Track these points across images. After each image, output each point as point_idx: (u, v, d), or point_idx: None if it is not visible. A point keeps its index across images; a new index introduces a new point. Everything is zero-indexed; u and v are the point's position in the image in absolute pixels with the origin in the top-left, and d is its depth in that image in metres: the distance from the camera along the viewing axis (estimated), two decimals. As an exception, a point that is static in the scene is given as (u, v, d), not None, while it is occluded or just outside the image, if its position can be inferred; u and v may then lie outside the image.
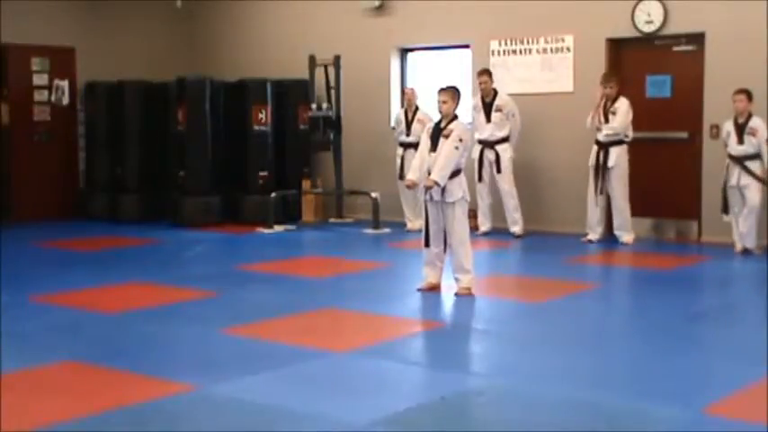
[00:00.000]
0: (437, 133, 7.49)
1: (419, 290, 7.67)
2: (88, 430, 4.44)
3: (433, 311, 7.22)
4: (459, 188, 7.43)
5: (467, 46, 12.04)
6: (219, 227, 12.04)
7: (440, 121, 7.58)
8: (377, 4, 12.47)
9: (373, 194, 11.74)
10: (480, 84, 10.99)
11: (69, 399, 4.93)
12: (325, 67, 12.31)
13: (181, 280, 8.23)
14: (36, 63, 13.14)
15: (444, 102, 7.54)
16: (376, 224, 11.62)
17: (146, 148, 12.93)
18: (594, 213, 10.42)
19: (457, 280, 7.56)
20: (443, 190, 7.36)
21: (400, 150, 11.72)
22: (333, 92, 12.32)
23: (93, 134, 13.30)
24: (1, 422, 4.49)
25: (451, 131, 7.42)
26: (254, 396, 4.96)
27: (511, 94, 11.06)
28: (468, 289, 7.52)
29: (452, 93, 7.59)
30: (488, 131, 10.95)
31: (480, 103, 11.03)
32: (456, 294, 7.48)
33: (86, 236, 11.54)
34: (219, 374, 5.39)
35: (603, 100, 10.24)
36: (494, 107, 10.93)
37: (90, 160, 13.39)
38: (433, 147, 7.44)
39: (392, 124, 12.22)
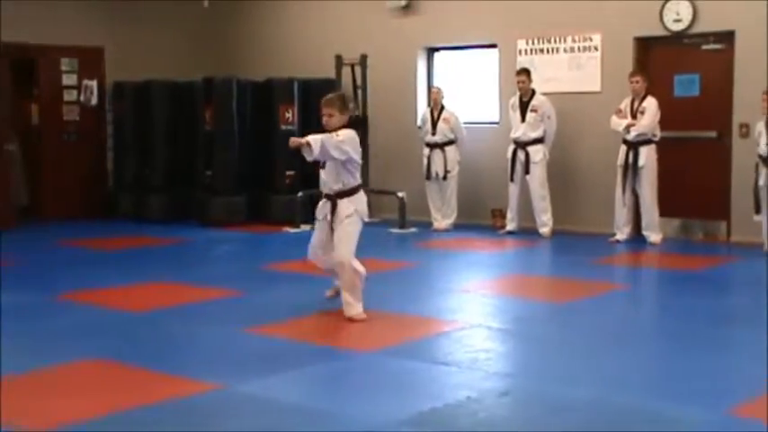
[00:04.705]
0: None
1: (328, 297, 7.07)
2: (114, 428, 4.45)
3: (459, 311, 7.19)
4: (350, 204, 6.71)
5: (494, 45, 12.00)
6: (246, 226, 12.06)
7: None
8: (403, 3, 12.45)
9: (400, 194, 11.73)
10: (518, 83, 10.96)
11: (95, 397, 4.95)
12: (352, 66, 12.31)
13: (207, 279, 8.26)
14: (65, 63, 13.24)
15: (330, 115, 6.62)
16: (402, 223, 11.61)
17: (173, 147, 12.98)
18: (622, 213, 10.36)
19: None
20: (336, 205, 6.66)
21: (426, 150, 11.71)
22: (359, 91, 12.32)
23: (121, 134, 13.38)
24: (20, 421, 4.53)
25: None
26: (278, 395, 4.96)
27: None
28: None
29: (339, 103, 6.69)
30: (521, 131, 10.91)
31: (518, 102, 11.00)
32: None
33: (114, 235, 11.60)
34: (245, 373, 5.39)
35: (630, 98, 10.20)
36: (529, 107, 10.90)
37: (118, 160, 13.47)
38: (322, 164, 6.71)
39: (418, 124, 12.21)
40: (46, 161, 13.12)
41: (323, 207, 6.80)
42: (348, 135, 6.59)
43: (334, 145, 6.46)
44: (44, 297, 7.63)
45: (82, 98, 13.38)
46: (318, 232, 6.90)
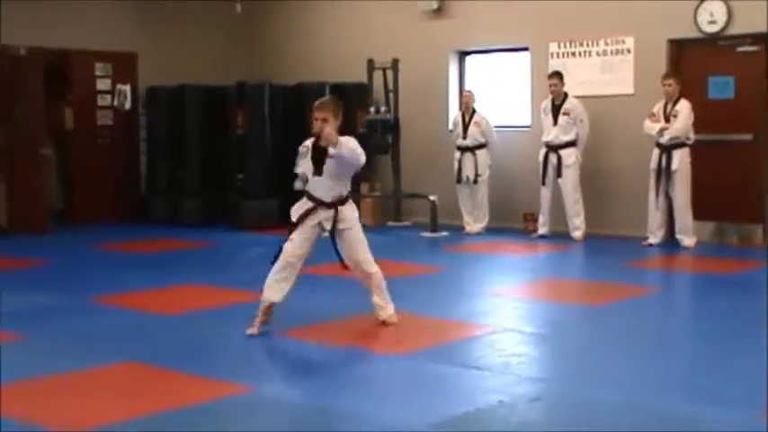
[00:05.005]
0: (321, 155, 6.30)
1: None
2: (145, 430, 4.47)
3: (491, 315, 7.16)
4: (353, 210, 6.52)
5: (525, 49, 11.96)
6: (278, 230, 12.06)
7: (318, 141, 6.28)
8: (435, 6, 12.45)
9: (431, 197, 11.71)
10: (550, 86, 10.92)
11: (127, 399, 4.97)
12: (384, 70, 12.32)
13: (238, 282, 8.27)
14: (99, 68, 13.36)
15: (325, 120, 6.20)
16: (434, 227, 11.59)
17: (206, 151, 13.05)
18: (655, 217, 10.28)
19: None
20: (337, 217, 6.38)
21: (457, 154, 11.69)
22: (391, 95, 12.33)
23: (153, 138, 13.47)
24: (54, 422, 4.56)
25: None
26: (310, 398, 4.96)
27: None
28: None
29: (334, 107, 6.30)
30: (553, 134, 10.87)
31: (550, 105, 10.95)
32: None
33: (146, 238, 11.67)
34: (276, 376, 5.39)
35: (663, 102, 10.12)
36: (561, 110, 10.84)
37: (151, 164, 13.56)
38: (318, 170, 6.32)
39: (450, 127, 12.19)
40: (80, 165, 13.23)
41: (320, 215, 6.37)
42: (356, 143, 6.33)
43: (360, 153, 6.26)
44: (78, 300, 7.68)
45: (115, 103, 13.48)
46: (305, 242, 6.41)
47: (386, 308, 6.61)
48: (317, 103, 6.37)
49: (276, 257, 6.45)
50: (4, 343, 6.23)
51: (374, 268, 6.56)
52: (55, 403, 4.88)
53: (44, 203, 12.31)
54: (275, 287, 6.40)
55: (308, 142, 6.42)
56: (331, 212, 6.38)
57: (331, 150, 6.19)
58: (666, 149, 10.08)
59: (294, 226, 6.45)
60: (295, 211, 6.49)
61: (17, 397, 4.98)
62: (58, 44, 12.52)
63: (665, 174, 10.09)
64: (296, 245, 6.41)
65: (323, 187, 6.35)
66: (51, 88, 12.67)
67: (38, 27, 12.29)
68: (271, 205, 12.44)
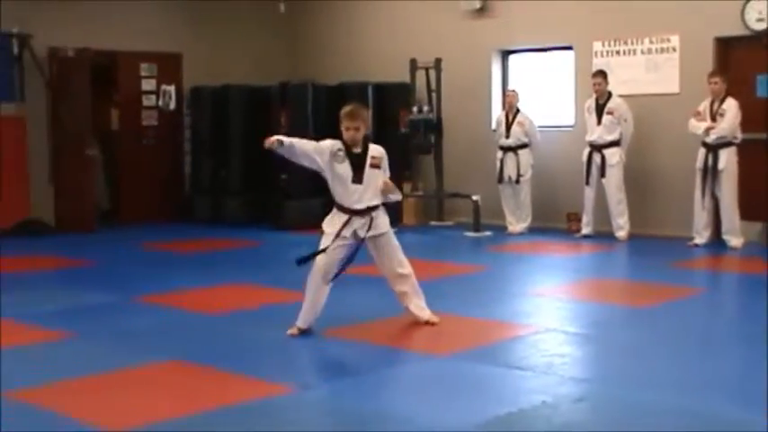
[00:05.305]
0: (359, 162, 6.29)
1: None
2: (191, 429, 4.50)
3: (534, 315, 7.13)
4: (385, 215, 6.50)
5: (569, 47, 11.89)
6: (320, 229, 12.10)
7: (348, 148, 6.29)
8: (477, 5, 12.41)
9: (474, 197, 11.68)
10: (594, 85, 10.85)
11: (172, 397, 5.02)
12: (426, 69, 12.31)
13: (280, 282, 8.31)
14: (144, 69, 13.50)
15: (357, 129, 6.23)
16: (476, 227, 11.56)
17: (249, 151, 13.11)
18: (702, 217, 10.17)
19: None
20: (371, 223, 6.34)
21: (500, 153, 11.66)
22: (433, 95, 12.32)
23: (198, 138, 13.58)
24: (101, 420, 4.61)
25: (378, 160, 6.33)
26: (352, 398, 4.96)
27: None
28: None
29: (365, 115, 6.36)
30: (597, 134, 10.80)
31: (594, 105, 10.88)
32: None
33: (190, 238, 11.77)
34: (318, 376, 5.41)
35: (710, 100, 10.01)
36: (605, 110, 10.77)
37: (195, 164, 13.68)
38: (358, 178, 6.28)
39: (492, 127, 12.15)
40: (125, 165, 13.38)
41: (354, 223, 6.31)
42: (380, 151, 6.37)
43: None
44: (124, 298, 7.77)
45: (160, 103, 13.61)
46: (341, 250, 6.31)
47: (425, 308, 6.61)
48: (347, 110, 6.29)
49: (303, 260, 6.38)
50: (52, 341, 6.33)
51: (410, 269, 6.56)
52: (101, 401, 4.93)
53: (91, 203, 12.46)
54: (312, 312, 6.34)
55: (340, 144, 6.33)
56: (365, 220, 6.33)
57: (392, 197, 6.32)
58: (713, 149, 9.97)
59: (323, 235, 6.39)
60: (328, 225, 6.41)
61: (65, 395, 5.05)
62: (104, 45, 12.66)
63: (711, 173, 9.98)
64: (329, 257, 6.31)
65: (359, 195, 6.29)
66: (98, 89, 12.83)
67: (85, 28, 12.45)
68: (314, 205, 12.42)
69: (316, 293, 6.32)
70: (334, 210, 6.44)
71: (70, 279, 9.06)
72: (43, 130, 12.39)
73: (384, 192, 6.36)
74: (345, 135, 6.28)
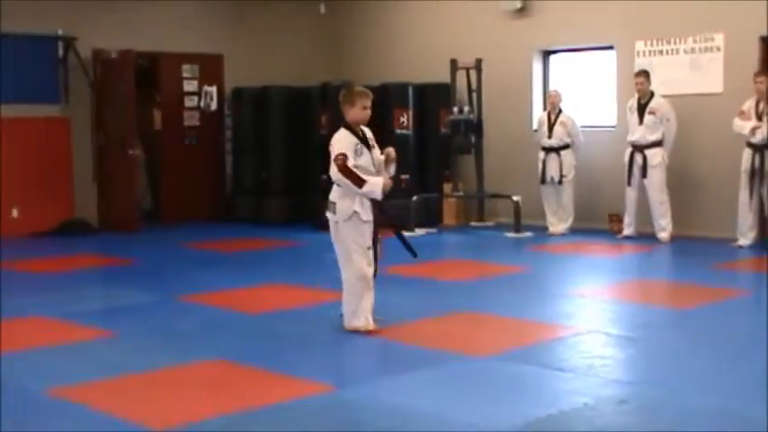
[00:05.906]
0: (367, 144, 6.51)
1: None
2: (232, 428, 4.53)
3: (575, 316, 7.08)
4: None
5: (611, 47, 11.80)
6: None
7: (354, 131, 6.48)
8: (518, 5, 12.36)
9: (515, 198, 11.64)
10: (636, 85, 10.76)
11: (213, 396, 5.04)
12: (467, 70, 12.28)
13: (320, 282, 8.33)
14: (186, 70, 13.59)
15: (366, 108, 6.47)
16: (517, 228, 11.51)
17: (290, 152, 13.18)
18: (747, 218, 10.04)
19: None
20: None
21: (542, 154, 11.60)
22: (474, 95, 12.28)
23: (239, 139, 13.66)
24: (142, 418, 4.64)
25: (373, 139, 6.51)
26: (391, 398, 4.96)
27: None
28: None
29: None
30: (639, 134, 10.71)
31: (636, 104, 10.79)
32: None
33: (232, 237, 11.84)
34: (357, 376, 5.41)
35: (755, 100, 9.88)
36: (647, 109, 10.68)
37: (236, 164, 13.75)
38: (377, 170, 6.50)
39: (534, 127, 12.09)
40: (167, 166, 13.49)
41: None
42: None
43: None
44: (165, 297, 7.84)
45: (202, 104, 13.71)
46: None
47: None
48: (361, 90, 6.50)
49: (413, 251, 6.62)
50: (94, 339, 6.40)
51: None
52: (142, 399, 4.98)
53: (133, 203, 12.58)
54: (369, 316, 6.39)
55: (353, 138, 6.42)
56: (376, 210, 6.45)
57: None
58: (759, 149, 9.84)
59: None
60: (364, 213, 6.49)
61: (106, 393, 5.10)
62: (147, 47, 12.78)
63: (758, 175, 9.85)
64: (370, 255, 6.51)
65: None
66: (140, 90, 12.95)
67: (128, 30, 12.57)
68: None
69: (371, 282, 6.43)
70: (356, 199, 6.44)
71: (114, 278, 9.16)
72: (87, 130, 12.53)
73: (387, 163, 6.43)
74: (361, 114, 6.39)
